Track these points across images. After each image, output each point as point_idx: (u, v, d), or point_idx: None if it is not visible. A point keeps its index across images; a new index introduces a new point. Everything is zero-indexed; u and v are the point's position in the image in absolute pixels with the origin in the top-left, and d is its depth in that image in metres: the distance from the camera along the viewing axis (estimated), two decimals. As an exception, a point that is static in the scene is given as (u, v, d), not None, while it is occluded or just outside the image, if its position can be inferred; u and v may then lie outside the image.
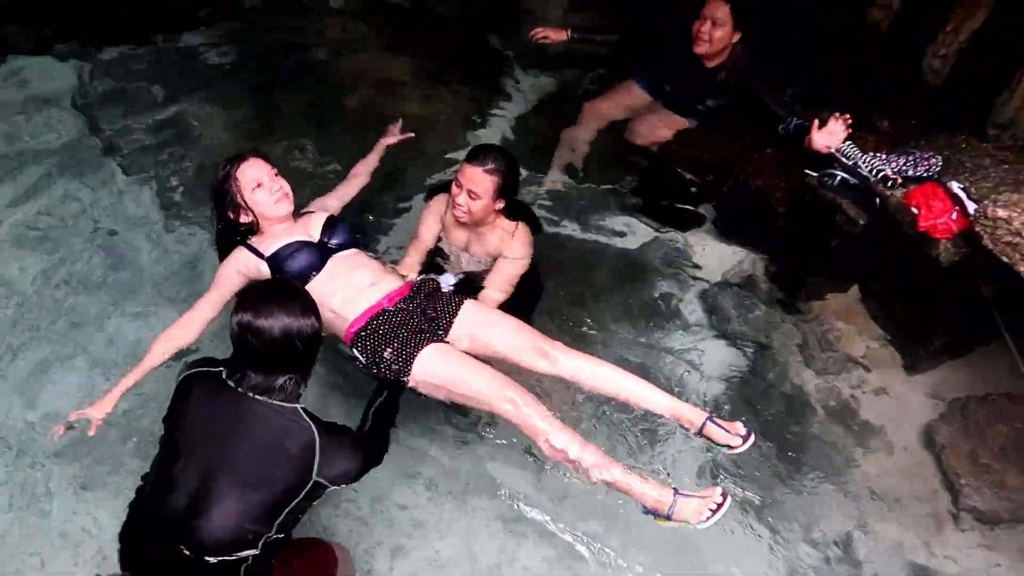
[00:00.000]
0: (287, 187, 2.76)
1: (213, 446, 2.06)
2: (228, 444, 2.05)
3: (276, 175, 2.75)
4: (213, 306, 2.68)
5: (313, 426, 2.10)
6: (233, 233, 2.81)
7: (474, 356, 2.65)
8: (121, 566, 2.21)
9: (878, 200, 3.15)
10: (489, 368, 2.57)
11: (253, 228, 2.79)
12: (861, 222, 3.18)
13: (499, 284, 3.02)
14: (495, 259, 3.08)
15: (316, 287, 2.61)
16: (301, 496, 2.09)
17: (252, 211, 2.73)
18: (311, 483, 2.08)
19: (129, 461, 2.80)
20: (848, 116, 3.29)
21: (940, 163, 3.18)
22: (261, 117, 4.07)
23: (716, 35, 3.61)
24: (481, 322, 2.74)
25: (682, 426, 2.60)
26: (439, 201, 3.17)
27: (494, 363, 2.65)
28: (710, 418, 2.53)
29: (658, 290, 3.55)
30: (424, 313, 2.70)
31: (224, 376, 2.11)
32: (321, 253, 2.74)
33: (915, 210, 2.95)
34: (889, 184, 3.16)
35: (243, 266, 2.73)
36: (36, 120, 3.90)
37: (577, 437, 2.44)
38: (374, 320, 2.63)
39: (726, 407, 3.18)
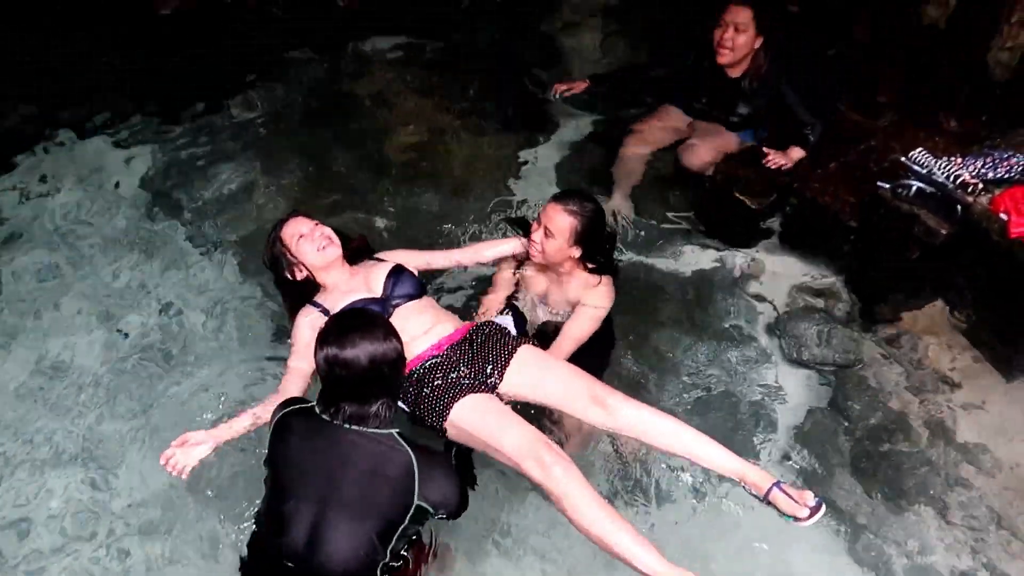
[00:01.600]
0: (329, 232, 2.79)
1: (320, 481, 2.12)
2: (333, 478, 2.11)
3: (317, 225, 2.80)
4: (302, 374, 2.66)
5: (409, 450, 2.15)
6: (296, 292, 2.83)
7: (531, 403, 2.62)
8: None
9: (959, 208, 2.99)
10: (527, 426, 2.45)
11: (314, 284, 2.81)
12: (943, 232, 3.02)
13: (575, 332, 2.92)
14: (572, 309, 2.99)
15: None
16: (407, 521, 2.14)
17: (303, 264, 2.76)
18: (414, 507, 2.13)
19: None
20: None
21: (1023, 163, 3.01)
22: (313, 176, 4.09)
23: (739, 41, 3.56)
24: (536, 367, 2.67)
25: (748, 490, 2.42)
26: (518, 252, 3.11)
27: (550, 416, 2.59)
28: (777, 484, 2.35)
29: (728, 317, 3.43)
30: (475, 360, 2.65)
31: (319, 411, 2.16)
32: (384, 308, 2.71)
33: (1004, 216, 2.79)
34: (970, 190, 3.01)
35: (314, 326, 2.65)
36: (100, 197, 3.98)
37: (609, 513, 2.27)
38: (420, 368, 2.62)
39: (812, 430, 3.03)
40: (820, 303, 3.43)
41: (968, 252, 3.02)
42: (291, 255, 2.76)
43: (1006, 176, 3.03)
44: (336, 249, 2.78)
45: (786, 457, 3.03)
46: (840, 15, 4.48)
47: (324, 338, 2.10)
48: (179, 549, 2.76)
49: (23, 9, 4.60)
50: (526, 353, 2.69)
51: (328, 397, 2.15)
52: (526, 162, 4.22)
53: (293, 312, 2.83)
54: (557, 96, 4.01)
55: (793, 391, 3.22)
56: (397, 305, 2.75)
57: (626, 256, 3.67)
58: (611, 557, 2.25)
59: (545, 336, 2.99)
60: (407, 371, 2.58)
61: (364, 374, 2.06)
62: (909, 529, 2.79)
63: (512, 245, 3.09)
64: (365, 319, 2.17)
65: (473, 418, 2.49)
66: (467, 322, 2.86)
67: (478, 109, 4.46)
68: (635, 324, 3.39)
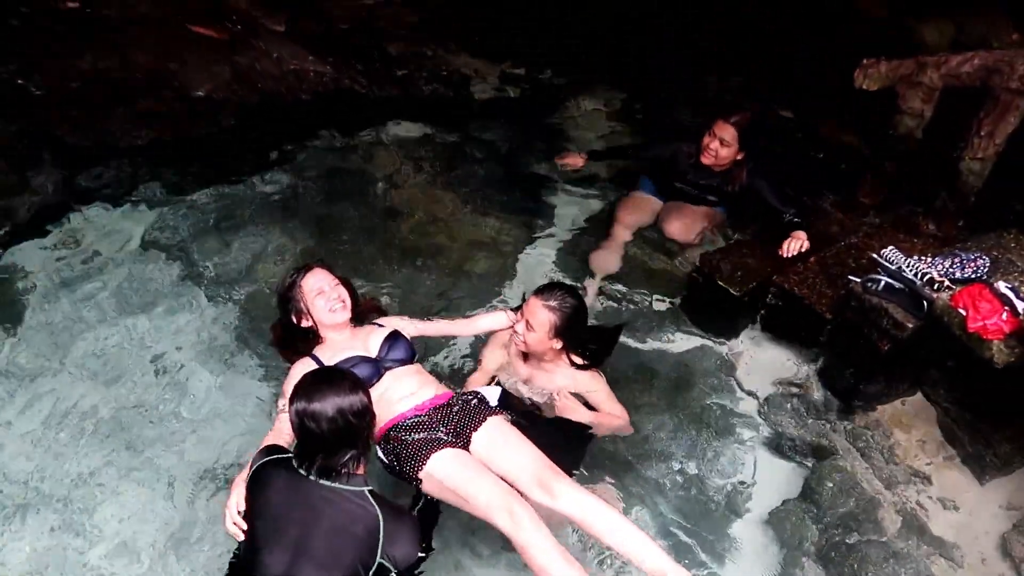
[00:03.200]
0: (345, 295, 2.98)
1: (293, 532, 2.25)
2: (305, 530, 2.24)
3: (336, 284, 2.98)
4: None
5: (378, 509, 2.28)
6: (294, 336, 3.00)
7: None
8: None
9: (925, 303, 3.12)
10: (499, 481, 2.59)
11: (314, 333, 2.97)
12: (910, 325, 3.13)
13: (610, 408, 3.12)
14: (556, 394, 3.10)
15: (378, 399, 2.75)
16: None
17: (312, 317, 2.93)
18: (376, 565, 2.25)
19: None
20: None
21: (988, 263, 3.16)
22: (323, 247, 4.28)
23: (722, 153, 3.97)
24: (497, 438, 2.76)
25: None
26: (506, 332, 3.24)
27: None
28: None
29: (707, 400, 3.53)
30: (453, 422, 2.79)
31: (296, 464, 2.31)
32: (376, 368, 2.87)
33: (962, 311, 2.91)
34: (936, 287, 3.14)
35: None
36: (118, 256, 4.19)
37: (574, 567, 2.38)
38: (403, 424, 2.76)
39: (783, 519, 3.08)
40: (798, 392, 3.53)
41: (935, 346, 3.12)
42: (304, 305, 2.93)
43: (972, 276, 3.15)
44: (346, 313, 2.96)
45: (754, 543, 3.08)
46: (829, 122, 4.79)
47: (295, 392, 2.27)
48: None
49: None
50: (493, 423, 2.81)
51: (302, 451, 2.31)
52: (525, 245, 4.42)
53: (285, 352, 3.02)
54: (561, 169, 4.45)
55: (767, 478, 3.29)
56: (389, 368, 2.90)
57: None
58: None
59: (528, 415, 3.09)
60: (391, 425, 2.76)
61: (331, 425, 2.21)
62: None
63: (503, 319, 3.25)
64: (333, 374, 2.35)
65: (448, 470, 2.62)
66: (450, 390, 3.00)
67: (483, 194, 4.71)
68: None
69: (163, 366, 3.69)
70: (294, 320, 2.96)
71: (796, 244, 3.78)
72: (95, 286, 4.05)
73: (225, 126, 4.96)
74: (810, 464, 3.27)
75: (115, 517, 3.07)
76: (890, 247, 3.37)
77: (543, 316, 2.93)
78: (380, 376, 2.86)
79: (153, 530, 3.01)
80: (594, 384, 3.15)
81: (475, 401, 2.88)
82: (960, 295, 2.97)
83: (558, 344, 3.00)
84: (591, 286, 4.04)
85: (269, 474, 2.36)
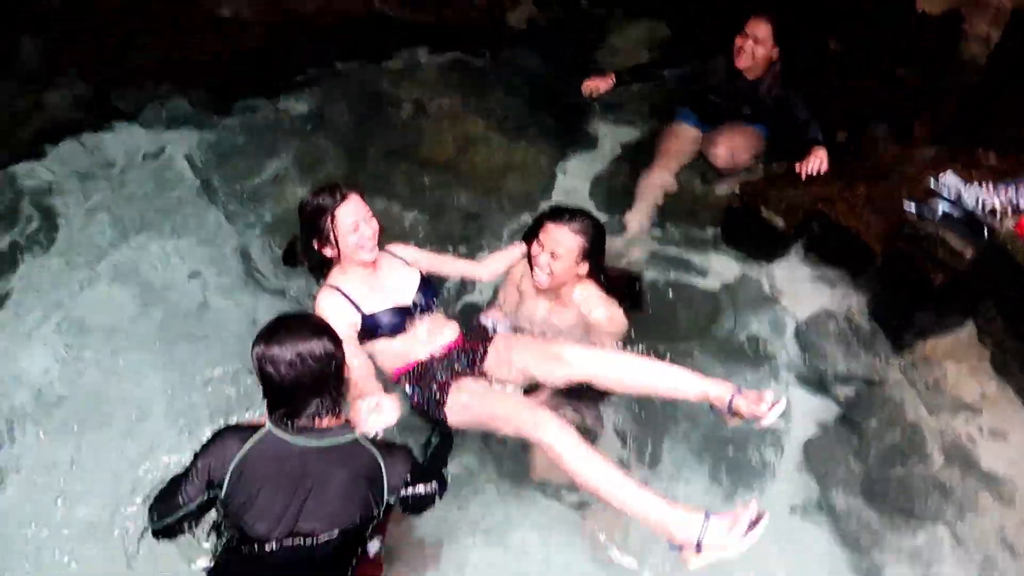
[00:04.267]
0: (377, 230, 2.77)
1: (290, 500, 2.10)
2: (306, 495, 2.11)
3: (371, 217, 2.77)
4: (359, 353, 2.71)
5: (375, 450, 2.19)
6: (311, 259, 2.86)
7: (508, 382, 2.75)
8: None
9: (986, 231, 2.93)
10: (520, 396, 2.65)
11: (329, 261, 2.83)
12: (967, 256, 2.96)
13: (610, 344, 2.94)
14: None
15: (391, 343, 2.76)
16: (380, 516, 2.23)
17: (338, 249, 2.74)
18: (384, 504, 2.20)
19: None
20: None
21: (1054, 192, 2.96)
22: (350, 171, 4.19)
23: (758, 52, 3.76)
24: (505, 346, 2.79)
25: (713, 408, 2.46)
26: (517, 269, 3.13)
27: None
28: (738, 390, 2.40)
29: (748, 332, 3.41)
30: (469, 355, 2.79)
31: (271, 431, 2.13)
32: (410, 316, 2.81)
33: (1028, 238, 2.73)
34: (998, 216, 2.95)
35: (347, 319, 2.71)
36: (144, 175, 4.14)
37: (600, 460, 2.34)
38: (426, 367, 2.74)
39: (825, 449, 2.99)
40: (842, 324, 3.38)
41: (993, 277, 2.95)
42: (333, 236, 2.70)
43: (1038, 206, 2.97)
44: (375, 252, 2.79)
45: (792, 473, 2.98)
46: (882, 52, 4.52)
47: (257, 337, 2.12)
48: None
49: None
50: (499, 339, 2.86)
51: (269, 402, 2.16)
52: (556, 173, 4.28)
53: (290, 260, 2.93)
54: (588, 95, 4.07)
55: (809, 408, 3.19)
56: (421, 314, 2.83)
57: (647, 267, 3.68)
58: (614, 506, 2.28)
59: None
60: (411, 367, 2.74)
61: (290, 369, 2.06)
62: (917, 552, 2.72)
63: (519, 254, 3.13)
64: (296, 320, 2.20)
65: (466, 396, 2.62)
66: (463, 333, 2.96)
67: (514, 119, 4.54)
68: (655, 337, 3.33)
69: (188, 285, 3.63)
70: (315, 245, 2.77)
71: (816, 163, 3.57)
72: (120, 205, 4.00)
73: (251, 47, 4.78)
74: (853, 396, 3.15)
75: (139, 429, 3.04)
76: (948, 171, 3.18)
77: (570, 241, 2.76)
78: (412, 323, 2.81)
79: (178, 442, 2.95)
80: (613, 317, 2.92)
81: (483, 332, 2.93)
82: (1026, 221, 2.78)
83: (584, 268, 2.84)
84: (632, 221, 3.87)
85: (254, 454, 2.12)
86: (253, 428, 2.16)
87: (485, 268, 3.21)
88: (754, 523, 2.12)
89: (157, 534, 2.17)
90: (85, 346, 3.32)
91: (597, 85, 4.07)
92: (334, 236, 2.70)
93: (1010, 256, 2.81)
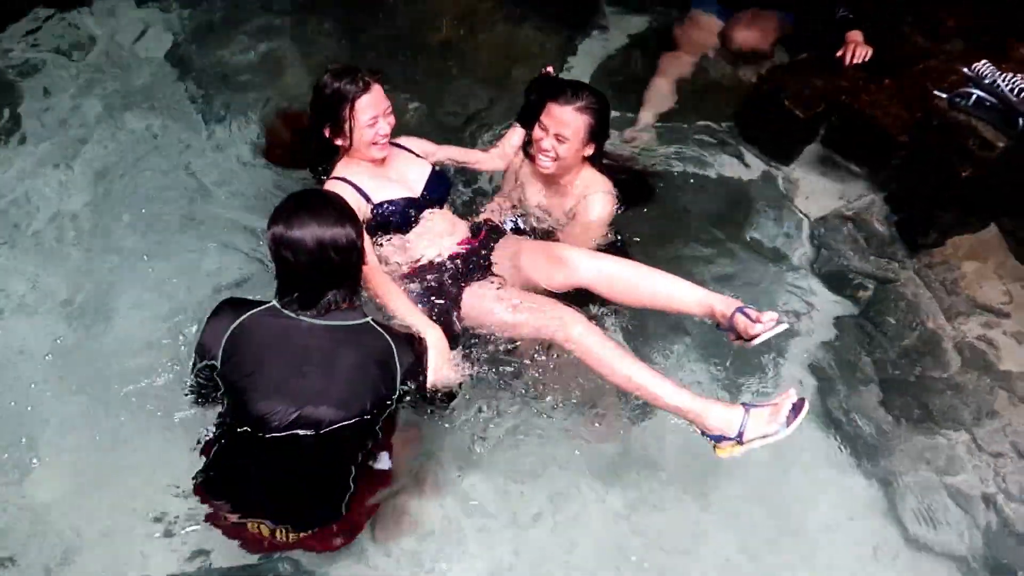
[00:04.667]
0: (392, 125, 2.62)
1: (297, 379, 1.96)
2: (313, 374, 1.96)
3: (389, 111, 2.59)
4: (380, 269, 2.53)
5: (387, 335, 2.05)
6: (314, 147, 2.69)
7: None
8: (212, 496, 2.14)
9: (1021, 120, 2.79)
10: (538, 295, 2.44)
11: (335, 149, 2.66)
12: (1000, 145, 2.83)
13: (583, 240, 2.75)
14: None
15: (399, 240, 2.60)
16: (393, 403, 2.08)
17: (351, 139, 2.56)
18: (397, 392, 2.05)
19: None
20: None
21: (1096, 80, 2.81)
22: (343, 55, 3.94)
23: None
24: (509, 248, 2.61)
25: (717, 324, 2.31)
26: (515, 135, 3.00)
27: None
28: (740, 309, 2.23)
29: (762, 226, 3.29)
30: (475, 256, 2.60)
31: (279, 307, 2.00)
32: (420, 208, 2.64)
33: (1069, 126, 2.60)
34: (1035, 103, 2.81)
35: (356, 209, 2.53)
36: (123, 54, 3.89)
37: (628, 354, 2.26)
38: (438, 266, 2.56)
39: (839, 350, 2.91)
40: (862, 219, 3.25)
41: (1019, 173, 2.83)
42: (349, 125, 2.53)
43: (1076, 94, 2.82)
44: (385, 151, 2.64)
45: (811, 374, 2.92)
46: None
47: (275, 216, 1.95)
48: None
49: None
50: (504, 240, 2.67)
51: (280, 285, 2.01)
52: (564, 59, 4.06)
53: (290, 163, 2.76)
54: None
55: (824, 306, 3.12)
56: (431, 206, 2.67)
57: (659, 159, 3.51)
58: (646, 398, 2.22)
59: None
60: (423, 266, 2.56)
61: (309, 257, 1.91)
62: (932, 455, 2.67)
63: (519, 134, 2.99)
64: (319, 200, 2.02)
65: (478, 298, 2.45)
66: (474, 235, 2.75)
67: (521, 2, 4.26)
68: (667, 233, 3.26)
69: (173, 175, 3.44)
70: (325, 131, 2.58)
71: (860, 52, 3.41)
72: (98, 88, 3.77)
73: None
74: (870, 295, 3.06)
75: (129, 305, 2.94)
76: (983, 61, 3.01)
77: (576, 121, 2.56)
78: (420, 216, 2.62)
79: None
80: (609, 213, 2.75)
81: (495, 233, 2.72)
82: (1069, 107, 2.64)
83: (590, 150, 2.67)
84: (645, 112, 3.68)
85: (251, 327, 1.99)
86: (257, 303, 2.04)
87: (493, 157, 3.05)
88: (796, 408, 2.06)
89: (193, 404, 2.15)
90: (69, 241, 3.17)
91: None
92: (350, 126, 2.53)
93: (1046, 147, 2.68)
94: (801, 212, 3.34)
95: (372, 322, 2.06)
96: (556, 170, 2.68)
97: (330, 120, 2.55)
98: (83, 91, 3.74)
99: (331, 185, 2.55)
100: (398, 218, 2.57)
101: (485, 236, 2.68)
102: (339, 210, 2.00)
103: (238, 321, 1.99)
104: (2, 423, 2.61)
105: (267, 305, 2.02)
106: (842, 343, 2.99)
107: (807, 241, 3.26)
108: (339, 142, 2.60)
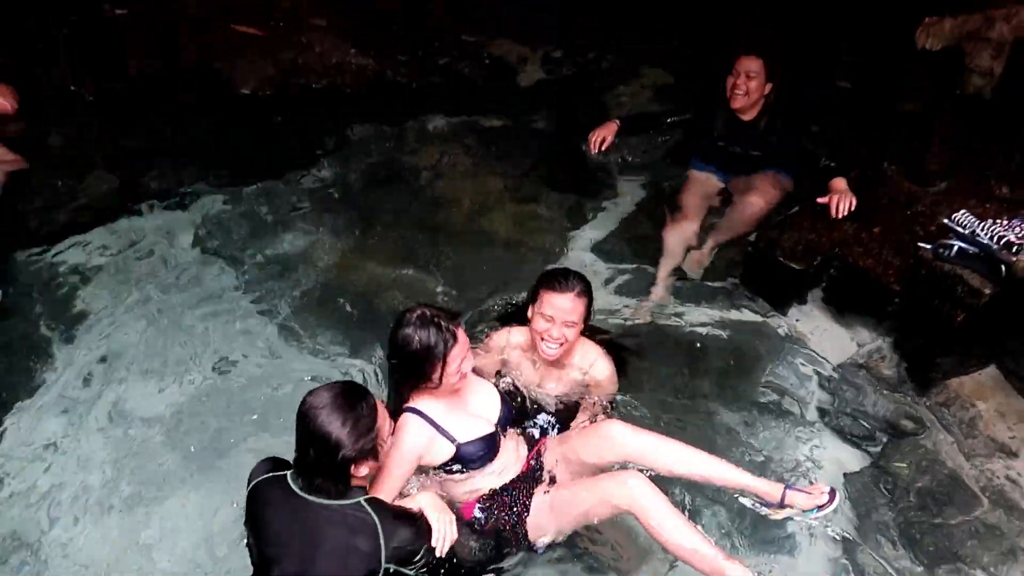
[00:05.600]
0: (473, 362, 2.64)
1: (295, 554, 2.16)
2: (307, 553, 2.15)
3: (470, 350, 2.57)
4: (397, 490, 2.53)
5: (374, 514, 2.19)
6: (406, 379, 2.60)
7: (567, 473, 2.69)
8: None
9: (1003, 267, 2.93)
10: (596, 477, 2.55)
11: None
12: (986, 292, 2.96)
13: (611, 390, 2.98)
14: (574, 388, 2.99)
15: (483, 474, 2.64)
16: None
17: (436, 381, 2.49)
18: (383, 570, 2.17)
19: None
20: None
21: (1070, 224, 2.96)
22: (373, 239, 4.26)
23: (752, 86, 3.80)
24: (555, 449, 2.74)
25: (763, 503, 2.49)
26: (500, 336, 3.04)
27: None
28: (788, 486, 2.45)
29: (768, 380, 3.39)
30: (532, 472, 2.72)
31: (289, 479, 2.22)
32: (497, 441, 2.67)
33: (1046, 274, 2.73)
34: (1015, 250, 2.95)
35: (440, 452, 2.56)
36: (172, 257, 4.22)
37: (694, 530, 2.36)
38: (494, 492, 2.66)
39: (859, 500, 2.93)
40: (867, 368, 3.36)
41: (1015, 313, 2.94)
42: (441, 372, 2.45)
43: (1054, 238, 2.96)
44: (465, 381, 2.61)
45: (831, 524, 2.93)
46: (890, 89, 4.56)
47: (318, 390, 2.17)
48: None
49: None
50: (551, 443, 2.80)
51: (297, 459, 2.21)
52: (576, 229, 4.32)
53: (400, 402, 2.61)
54: (595, 152, 4.18)
55: (838, 456, 3.14)
56: (504, 434, 2.71)
57: (667, 319, 3.70)
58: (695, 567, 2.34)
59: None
60: (487, 495, 2.64)
61: (303, 437, 2.14)
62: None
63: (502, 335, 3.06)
64: (348, 399, 2.16)
65: (551, 503, 2.57)
66: (529, 450, 2.83)
67: (530, 178, 4.63)
68: (677, 387, 3.40)
69: (221, 364, 3.66)
70: (414, 375, 2.49)
71: (845, 202, 3.58)
72: (151, 285, 4.07)
73: (271, 122, 5.00)
74: (884, 442, 3.12)
75: (176, 513, 3.05)
76: (962, 211, 3.20)
77: (578, 306, 2.73)
78: (499, 448, 2.66)
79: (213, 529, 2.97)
80: (614, 371, 2.97)
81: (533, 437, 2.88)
82: (1043, 256, 2.78)
83: (582, 327, 2.83)
84: (658, 286, 3.84)
85: (265, 493, 2.25)
86: (286, 464, 2.30)
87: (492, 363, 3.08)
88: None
89: None
90: (122, 433, 3.35)
91: (603, 135, 4.17)
92: (442, 372, 2.45)
93: (1029, 292, 2.80)
94: (810, 362, 3.44)
95: (363, 502, 2.21)
96: (561, 353, 2.83)
97: (417, 374, 2.48)
98: (130, 292, 3.98)
99: (412, 421, 2.52)
100: (484, 455, 2.60)
101: (532, 446, 2.79)
102: (354, 421, 2.11)
103: (255, 482, 2.27)
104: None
105: (281, 474, 2.25)
106: (861, 489, 3.01)
107: (817, 391, 3.34)
108: (429, 384, 2.51)
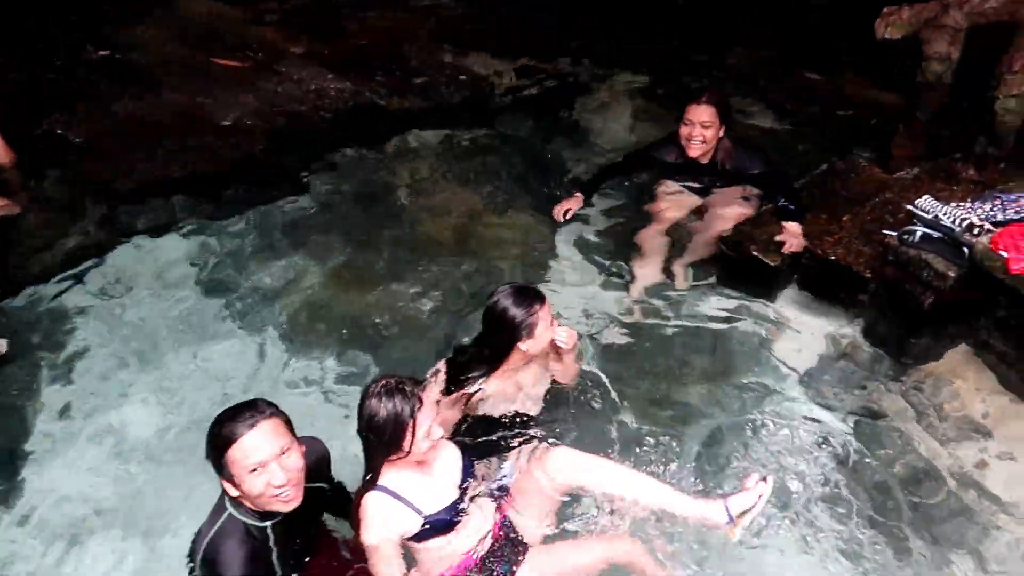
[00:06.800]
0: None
1: None
2: None
3: (438, 416, 2.53)
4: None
5: None
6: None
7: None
8: None
9: (966, 250, 2.99)
10: (584, 539, 2.67)
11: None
12: (952, 275, 3.02)
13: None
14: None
15: (457, 535, 2.58)
16: None
17: (411, 450, 2.45)
18: None
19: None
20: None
21: (1029, 203, 3.02)
22: (358, 259, 4.35)
23: (708, 135, 3.85)
24: (521, 500, 2.74)
25: (714, 526, 2.51)
26: (474, 392, 2.97)
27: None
28: (726, 496, 2.52)
29: (747, 371, 3.45)
30: (507, 539, 2.70)
31: None
32: (461, 505, 2.61)
33: (1003, 254, 2.79)
34: (976, 232, 3.01)
35: (405, 526, 2.51)
36: (162, 288, 4.31)
37: None
38: (472, 565, 2.64)
39: (836, 484, 2.99)
40: (843, 354, 3.43)
41: (980, 293, 3.00)
42: (411, 432, 2.41)
43: (1016, 216, 3.03)
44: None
45: (808, 509, 2.99)
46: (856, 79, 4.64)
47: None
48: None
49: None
50: (512, 498, 2.77)
51: None
52: (557, 240, 4.40)
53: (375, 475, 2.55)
54: (561, 218, 4.29)
55: (816, 442, 3.18)
56: (466, 495, 2.64)
57: (648, 314, 3.78)
58: None
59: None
60: (464, 568, 2.60)
61: None
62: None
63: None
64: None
65: (541, 563, 2.62)
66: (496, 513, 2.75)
67: (511, 193, 4.72)
68: (654, 376, 3.47)
69: (216, 395, 3.75)
70: (399, 444, 2.43)
71: (793, 245, 3.58)
72: (142, 319, 4.17)
73: (254, 152, 5.07)
74: (860, 424, 3.17)
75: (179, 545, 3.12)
76: (925, 196, 3.26)
77: (550, 312, 2.86)
78: (463, 512, 2.60)
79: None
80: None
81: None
82: (1000, 237, 2.85)
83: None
84: (635, 285, 3.95)
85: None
86: None
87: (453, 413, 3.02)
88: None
89: None
90: (115, 462, 3.43)
91: (568, 207, 4.28)
92: (409, 444, 2.42)
93: (988, 272, 2.86)
94: (786, 353, 3.50)
95: None
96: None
97: (389, 444, 2.43)
98: (122, 327, 4.05)
99: (377, 498, 2.48)
100: (445, 524, 2.55)
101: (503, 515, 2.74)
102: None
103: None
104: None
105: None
106: (837, 477, 3.05)
107: (794, 380, 3.39)
108: (394, 457, 2.48)
